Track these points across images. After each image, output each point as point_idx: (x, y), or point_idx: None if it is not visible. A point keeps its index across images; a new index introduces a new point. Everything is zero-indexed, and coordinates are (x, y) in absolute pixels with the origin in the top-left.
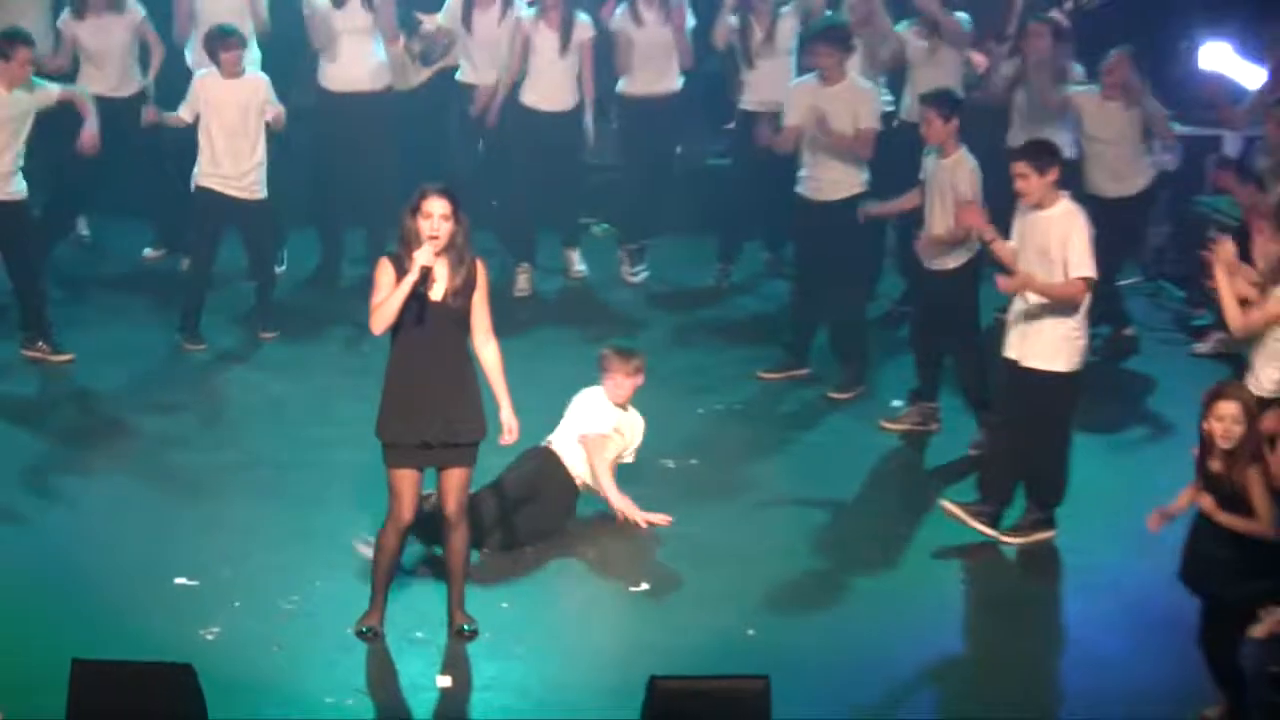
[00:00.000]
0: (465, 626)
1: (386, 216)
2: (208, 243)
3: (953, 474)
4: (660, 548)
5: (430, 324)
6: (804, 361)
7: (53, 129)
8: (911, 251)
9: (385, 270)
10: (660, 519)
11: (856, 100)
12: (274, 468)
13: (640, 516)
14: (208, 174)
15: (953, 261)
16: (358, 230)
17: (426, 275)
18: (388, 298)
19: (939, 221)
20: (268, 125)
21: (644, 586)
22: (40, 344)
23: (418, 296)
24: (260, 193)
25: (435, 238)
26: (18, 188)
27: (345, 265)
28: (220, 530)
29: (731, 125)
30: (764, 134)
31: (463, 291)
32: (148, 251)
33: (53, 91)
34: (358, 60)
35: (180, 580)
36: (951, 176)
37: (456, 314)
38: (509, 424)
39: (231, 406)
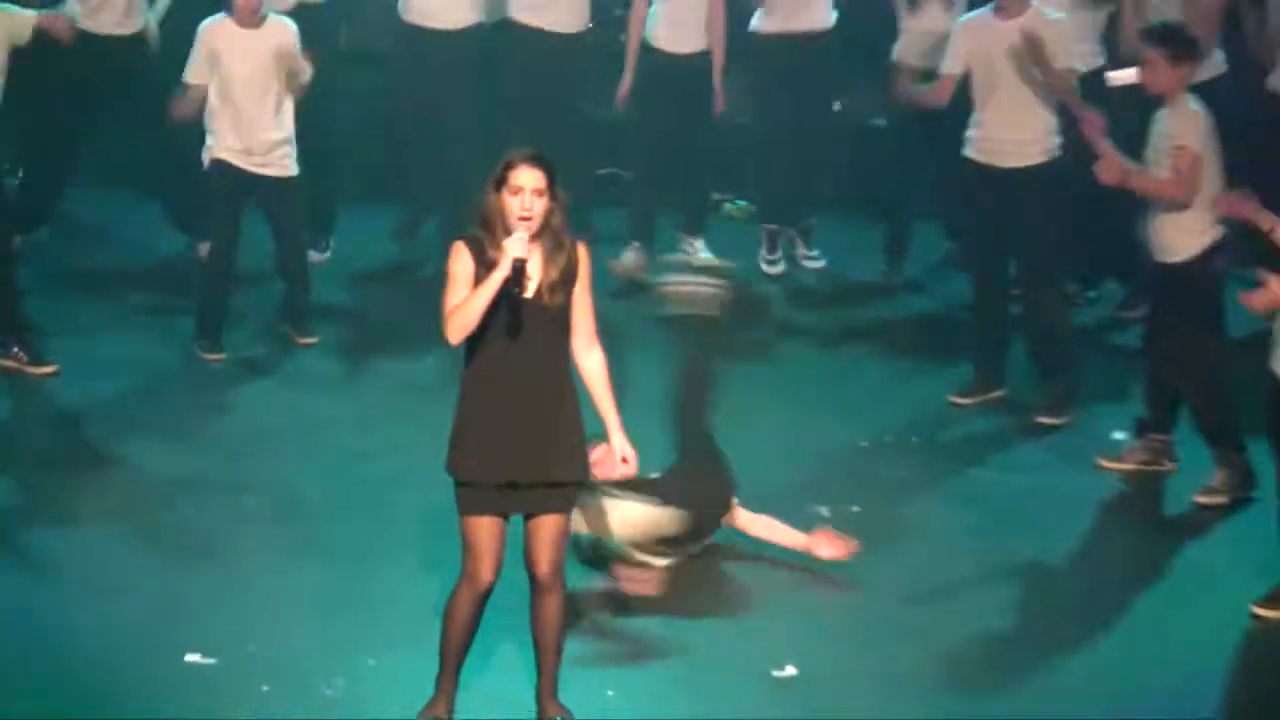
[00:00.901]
0: (558, 719)
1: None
2: (228, 228)
3: (1192, 527)
4: (813, 619)
5: (522, 328)
6: (998, 380)
7: (26, 74)
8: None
9: (461, 259)
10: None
11: (1050, 37)
12: (312, 513)
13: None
14: (225, 146)
15: (1184, 250)
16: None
17: (520, 270)
18: (469, 298)
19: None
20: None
21: (790, 671)
22: (16, 351)
23: (505, 294)
24: (290, 168)
25: (528, 218)
26: None
27: (399, 250)
28: (244, 594)
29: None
30: (904, 86)
31: (562, 285)
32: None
33: (27, 17)
34: None
35: (193, 658)
36: (1170, 127)
37: (554, 314)
38: (622, 451)
39: (258, 434)
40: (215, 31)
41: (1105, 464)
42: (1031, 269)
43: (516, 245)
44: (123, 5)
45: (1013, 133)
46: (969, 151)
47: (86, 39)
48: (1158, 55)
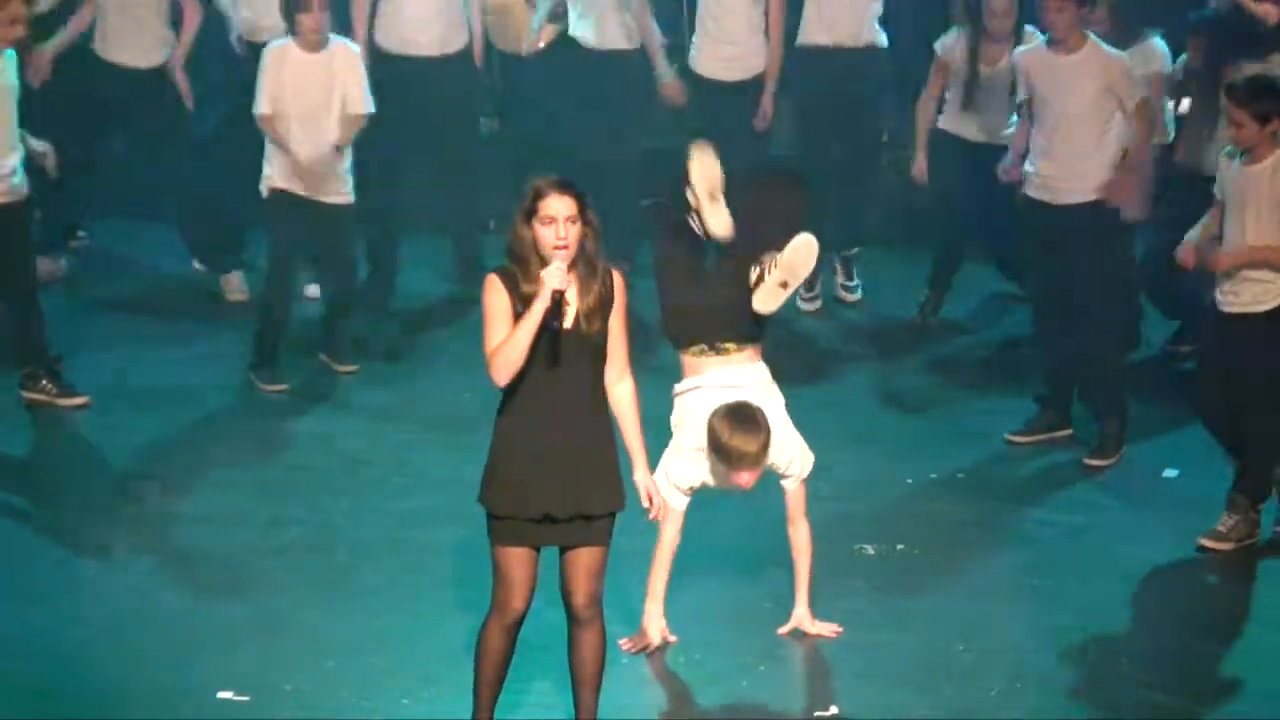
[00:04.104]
0: None
1: (474, 218)
2: (289, 258)
3: (1247, 569)
4: (856, 660)
5: (558, 358)
6: (1063, 419)
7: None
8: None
9: (496, 293)
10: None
11: (1110, 73)
12: (348, 548)
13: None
14: (286, 173)
15: (1267, 302)
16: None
17: (559, 301)
18: (511, 338)
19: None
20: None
21: (833, 710)
22: (45, 383)
23: (544, 325)
24: (347, 195)
25: (563, 246)
26: (14, 184)
27: (432, 281)
28: (278, 630)
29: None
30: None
31: (598, 313)
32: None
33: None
34: (426, 10)
35: (225, 694)
36: (1269, 185)
37: (591, 343)
38: (646, 486)
39: (293, 467)
40: (281, 55)
41: (1208, 545)
42: (1085, 308)
43: (555, 276)
44: (146, 38)
45: (1068, 169)
46: (1026, 188)
47: (107, 69)
48: (1245, 115)
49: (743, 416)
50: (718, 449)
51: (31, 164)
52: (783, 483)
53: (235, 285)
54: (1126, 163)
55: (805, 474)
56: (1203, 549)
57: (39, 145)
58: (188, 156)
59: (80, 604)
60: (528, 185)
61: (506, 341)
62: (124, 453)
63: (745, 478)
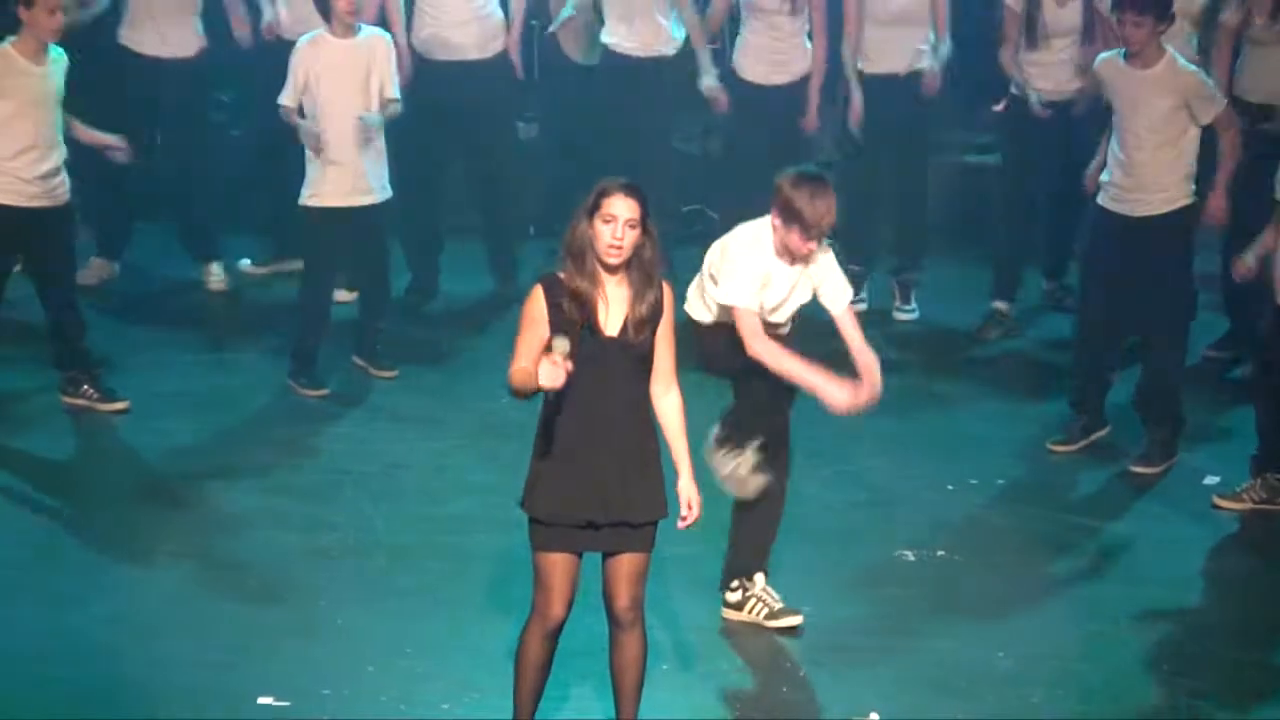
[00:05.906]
0: None
1: (511, 222)
2: (330, 263)
3: None
4: (896, 666)
5: (605, 366)
6: (1100, 422)
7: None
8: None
9: (535, 303)
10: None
11: (1185, 89)
12: (388, 554)
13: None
14: (323, 186)
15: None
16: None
17: (591, 316)
18: (522, 379)
19: None
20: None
21: (873, 716)
22: (86, 388)
23: (589, 330)
24: (385, 192)
25: (618, 247)
26: (58, 189)
27: (471, 286)
28: (318, 636)
29: (1000, 106)
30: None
31: (648, 323)
32: (246, 264)
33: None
34: (464, 12)
35: (266, 700)
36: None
37: (638, 352)
38: (689, 496)
39: (334, 472)
40: (310, 51)
41: (1221, 504)
42: (1157, 319)
43: (550, 376)
44: (170, 27)
45: (1141, 182)
46: (1100, 198)
47: (138, 60)
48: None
49: (812, 177)
50: (795, 212)
51: (103, 157)
52: (832, 308)
53: (214, 275)
54: (1220, 179)
55: (850, 293)
56: (1216, 507)
57: (108, 138)
58: (204, 154)
59: (119, 608)
60: (594, 185)
61: (517, 379)
62: (164, 457)
63: (813, 245)
